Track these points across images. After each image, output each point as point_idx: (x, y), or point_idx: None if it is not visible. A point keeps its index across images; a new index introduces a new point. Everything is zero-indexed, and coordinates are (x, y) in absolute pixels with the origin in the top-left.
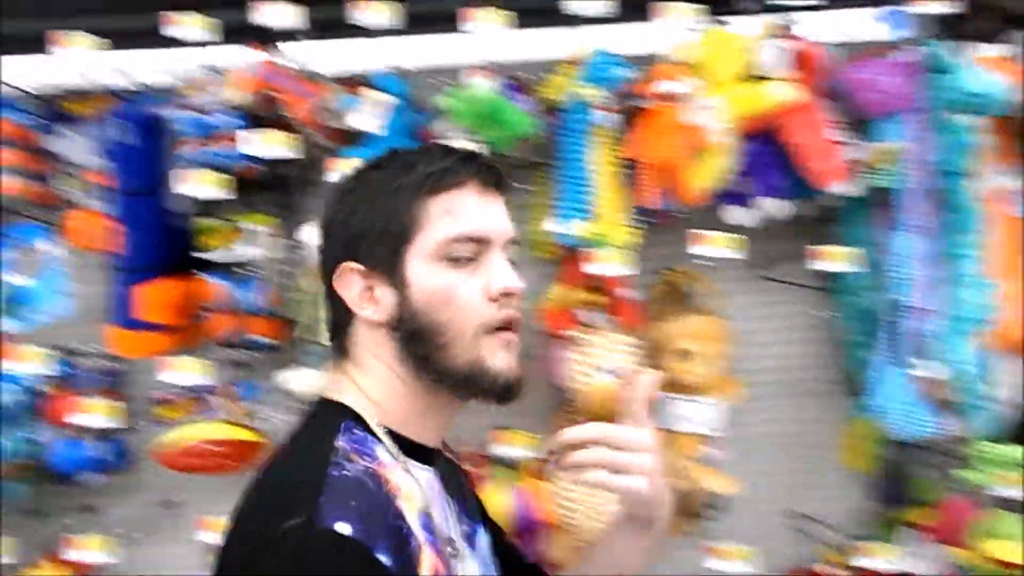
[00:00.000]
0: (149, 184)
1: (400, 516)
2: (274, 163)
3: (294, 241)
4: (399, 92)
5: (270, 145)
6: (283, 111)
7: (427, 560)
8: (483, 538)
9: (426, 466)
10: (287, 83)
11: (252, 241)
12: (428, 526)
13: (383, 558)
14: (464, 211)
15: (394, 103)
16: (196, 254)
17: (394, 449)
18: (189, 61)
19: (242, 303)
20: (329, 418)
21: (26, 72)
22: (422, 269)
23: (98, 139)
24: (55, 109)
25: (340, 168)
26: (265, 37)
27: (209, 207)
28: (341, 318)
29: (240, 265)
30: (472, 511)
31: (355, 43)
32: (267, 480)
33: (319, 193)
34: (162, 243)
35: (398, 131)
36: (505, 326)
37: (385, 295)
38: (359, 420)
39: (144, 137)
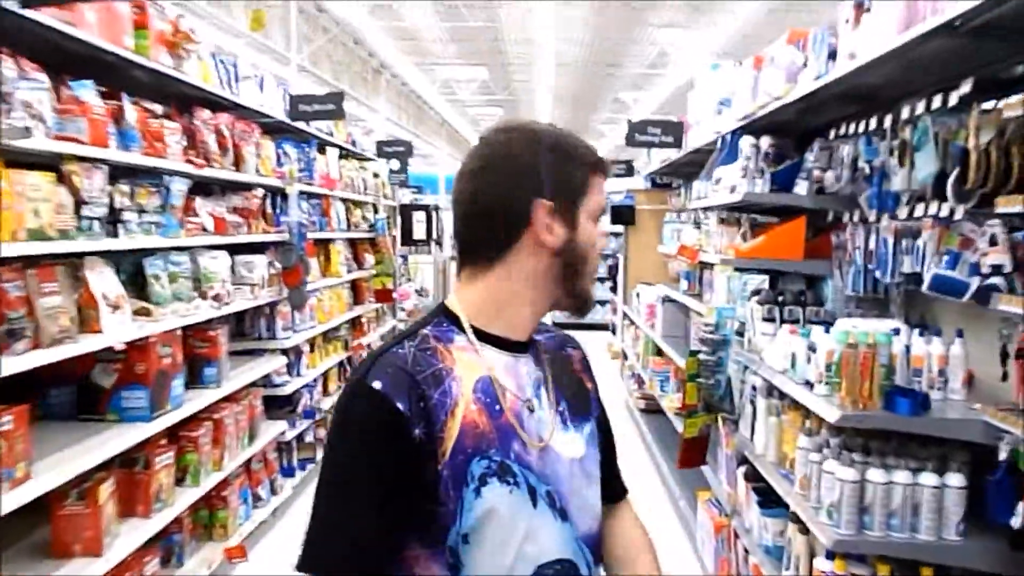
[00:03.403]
0: None
1: (440, 380)
2: None
3: None
4: None
5: None
6: None
7: (462, 408)
8: (584, 425)
9: (503, 351)
10: None
11: None
12: (486, 388)
13: (400, 405)
14: (605, 191)
15: None
16: None
17: (473, 338)
18: None
19: None
20: (430, 316)
21: None
22: (585, 221)
23: None
24: None
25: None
26: None
27: None
28: (505, 240)
29: None
30: (575, 400)
31: None
32: (370, 352)
33: None
34: None
35: None
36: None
37: (560, 231)
38: (449, 316)
39: None
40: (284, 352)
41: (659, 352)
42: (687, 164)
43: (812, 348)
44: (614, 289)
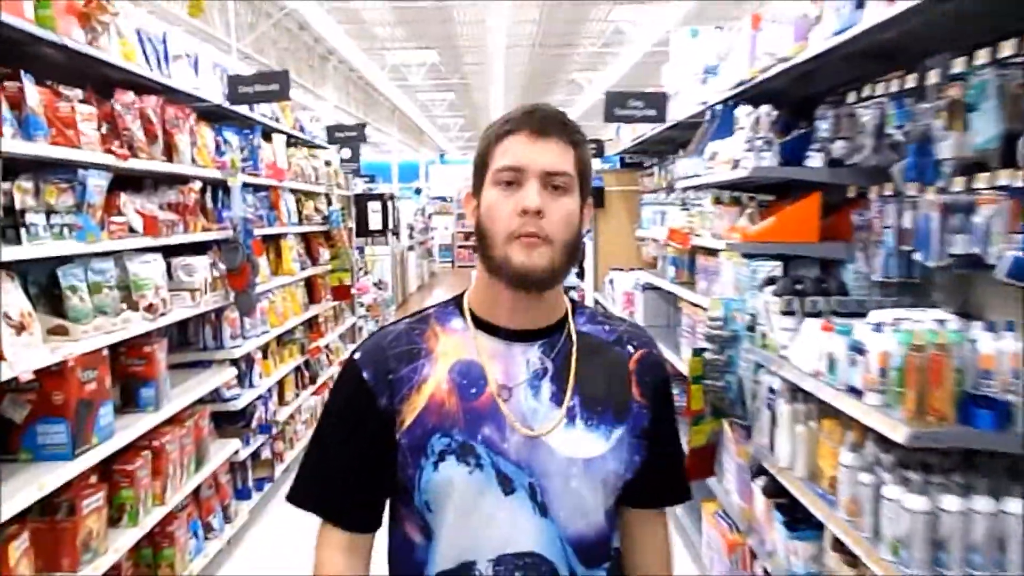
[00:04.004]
0: None
1: (413, 358)
2: None
3: None
4: None
5: None
6: None
7: (431, 386)
8: (610, 428)
9: (494, 337)
10: None
11: None
12: (464, 371)
13: (366, 374)
14: (511, 150)
15: None
16: None
17: (469, 322)
18: None
19: None
20: (448, 298)
21: None
22: (488, 190)
23: None
24: None
25: None
26: None
27: None
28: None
29: None
30: (600, 400)
31: None
32: None
33: None
34: None
35: None
36: (527, 234)
37: (475, 208)
38: (459, 301)
39: None
40: (234, 362)
41: None
42: (661, 142)
43: (858, 349)
44: (581, 275)
